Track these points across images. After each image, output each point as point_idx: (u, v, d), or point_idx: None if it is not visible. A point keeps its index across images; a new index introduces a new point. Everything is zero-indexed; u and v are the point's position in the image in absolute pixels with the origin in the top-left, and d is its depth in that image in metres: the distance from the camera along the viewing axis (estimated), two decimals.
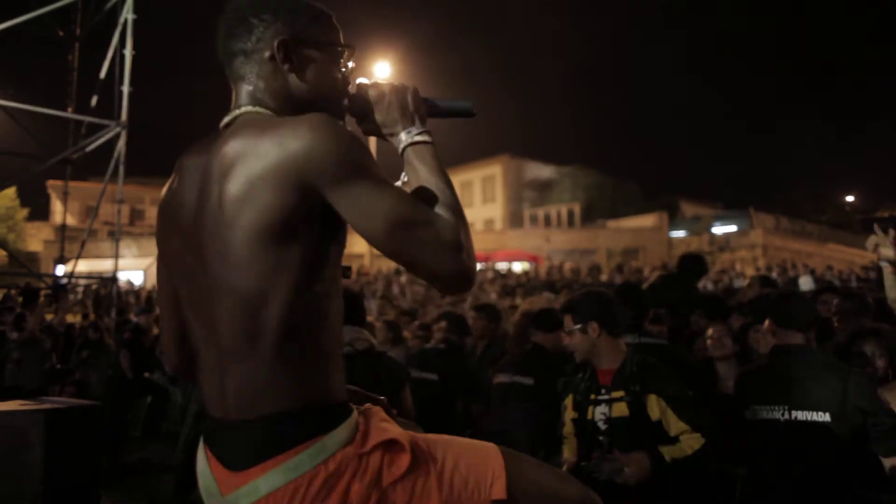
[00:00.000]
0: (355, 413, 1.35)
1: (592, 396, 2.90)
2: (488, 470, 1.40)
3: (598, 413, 2.86)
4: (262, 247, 1.23)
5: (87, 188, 28.49)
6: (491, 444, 1.48)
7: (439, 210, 1.32)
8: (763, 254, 27.85)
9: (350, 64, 1.50)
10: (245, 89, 1.42)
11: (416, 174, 1.40)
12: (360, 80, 1.48)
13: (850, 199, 42.69)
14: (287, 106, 1.41)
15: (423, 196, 1.35)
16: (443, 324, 5.18)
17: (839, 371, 2.84)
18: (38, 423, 3.16)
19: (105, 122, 10.62)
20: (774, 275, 15.72)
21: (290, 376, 1.26)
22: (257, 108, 1.39)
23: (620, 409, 2.81)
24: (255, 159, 1.24)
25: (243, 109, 1.40)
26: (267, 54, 1.40)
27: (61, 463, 3.18)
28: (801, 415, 2.76)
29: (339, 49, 1.48)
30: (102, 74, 11.21)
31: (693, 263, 5.96)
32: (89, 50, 11.96)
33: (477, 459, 1.41)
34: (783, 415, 2.80)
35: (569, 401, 3.04)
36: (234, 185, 1.25)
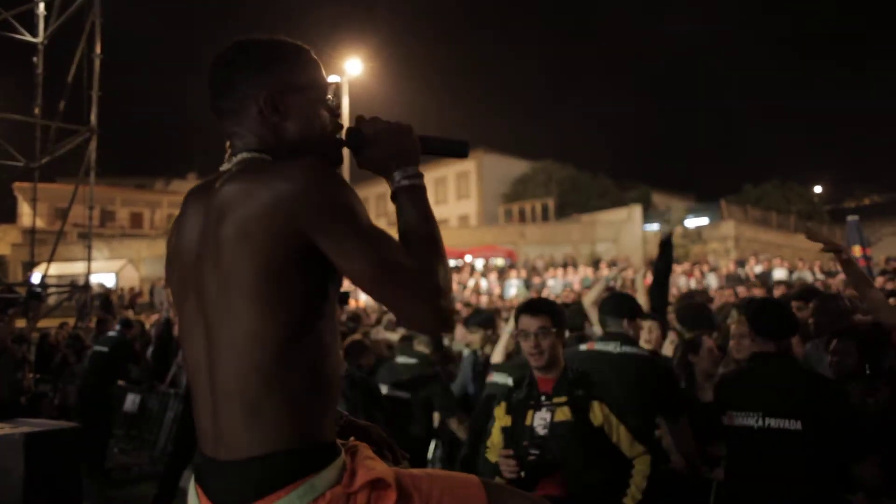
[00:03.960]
0: (343, 453, 1.38)
1: (532, 402, 2.87)
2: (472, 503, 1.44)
3: (539, 419, 2.83)
4: (255, 290, 1.27)
5: (56, 189, 28.04)
6: (473, 477, 1.52)
7: (422, 255, 1.34)
8: (735, 245, 28.20)
9: (335, 98, 1.53)
10: (240, 141, 1.46)
11: (403, 216, 1.42)
12: (359, 114, 1.50)
13: (818, 189, 43.42)
14: (281, 150, 1.44)
15: (408, 240, 1.37)
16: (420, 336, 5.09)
17: (811, 379, 2.92)
18: (17, 447, 3.13)
19: (74, 126, 10.48)
20: (748, 268, 15.98)
21: (281, 417, 1.29)
22: (253, 154, 1.42)
23: (564, 414, 2.80)
24: (247, 204, 1.28)
25: (240, 156, 1.43)
26: (254, 109, 1.43)
27: (41, 486, 3.15)
28: (774, 422, 2.82)
29: (322, 87, 1.51)
30: (70, 78, 11.04)
31: None
32: (55, 54, 11.76)
33: (460, 493, 1.45)
34: (757, 421, 2.86)
35: (500, 410, 2.99)
36: (229, 229, 1.28)
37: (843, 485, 2.78)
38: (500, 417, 2.97)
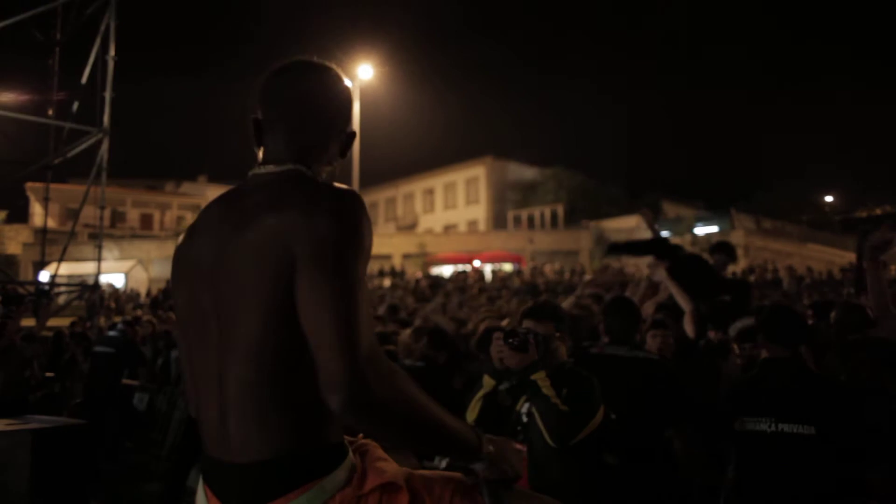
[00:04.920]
0: (351, 453, 1.37)
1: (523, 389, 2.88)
2: None
3: (525, 406, 2.88)
4: (267, 299, 1.26)
5: (67, 190, 28.21)
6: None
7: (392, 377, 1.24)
8: (744, 254, 28.08)
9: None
10: (281, 148, 1.47)
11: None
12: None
13: (829, 199, 43.25)
14: (321, 167, 1.52)
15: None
16: (423, 339, 4.97)
17: (825, 384, 2.89)
18: (25, 444, 3.14)
19: (87, 128, 10.54)
20: (753, 277, 15.91)
21: (289, 421, 1.28)
22: (295, 167, 1.44)
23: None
24: (272, 216, 1.29)
25: (282, 167, 1.44)
26: (330, 145, 1.53)
27: (48, 482, 3.15)
28: (787, 427, 2.80)
29: (350, 136, 1.59)
30: (84, 79, 11.12)
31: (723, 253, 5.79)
32: (70, 55, 11.84)
33: (472, 494, 1.44)
34: (769, 427, 2.84)
35: (488, 378, 2.91)
36: (250, 237, 1.30)
37: (854, 491, 2.75)
38: (487, 384, 2.93)
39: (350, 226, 1.28)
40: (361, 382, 1.16)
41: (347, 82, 1.56)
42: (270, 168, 1.44)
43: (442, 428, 1.31)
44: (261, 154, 1.49)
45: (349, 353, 1.17)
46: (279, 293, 1.25)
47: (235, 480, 1.30)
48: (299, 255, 1.23)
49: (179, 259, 1.46)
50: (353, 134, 1.59)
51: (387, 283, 22.42)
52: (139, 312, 14.59)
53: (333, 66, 1.54)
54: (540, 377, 2.71)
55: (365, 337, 1.20)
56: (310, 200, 1.30)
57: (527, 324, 2.94)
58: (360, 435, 1.51)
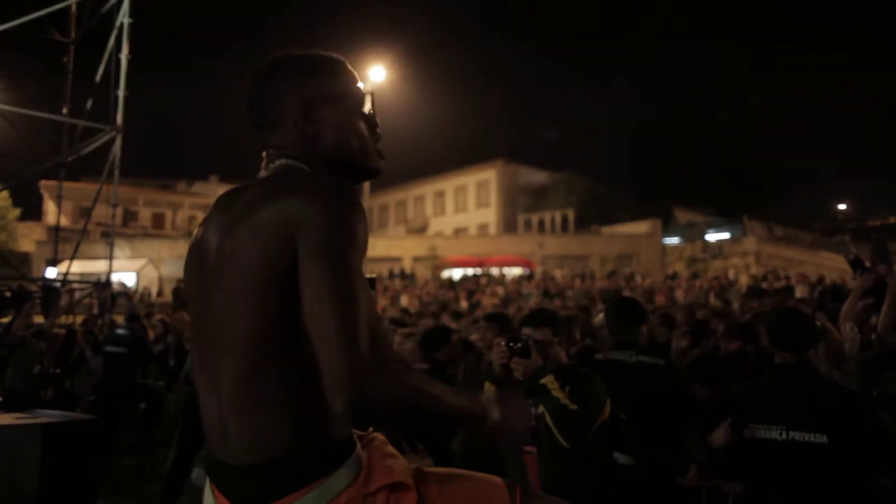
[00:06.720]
0: (358, 448, 1.35)
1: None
2: None
3: (532, 411, 2.94)
4: (262, 291, 1.24)
5: (80, 188, 28.38)
6: (496, 478, 1.49)
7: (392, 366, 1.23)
8: (756, 261, 27.96)
9: (372, 107, 1.54)
10: (277, 153, 1.45)
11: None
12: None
13: (842, 207, 43.04)
14: (318, 161, 1.44)
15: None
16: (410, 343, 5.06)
17: (838, 392, 2.85)
18: (34, 437, 3.15)
19: (100, 125, 10.60)
20: (765, 285, 15.80)
21: (291, 420, 1.26)
22: (291, 161, 1.42)
23: (542, 407, 2.86)
24: (267, 206, 1.26)
25: (278, 162, 1.43)
26: (289, 122, 1.43)
27: (57, 476, 3.16)
28: (798, 435, 2.75)
29: (358, 97, 1.51)
30: (98, 78, 11.19)
31: None
32: (84, 53, 11.92)
33: (483, 495, 1.43)
34: (780, 434, 2.80)
35: (489, 385, 3.01)
36: (246, 228, 1.27)
37: (867, 500, 2.72)
38: (488, 391, 2.98)
39: (342, 217, 1.24)
40: (362, 386, 1.13)
41: (293, 58, 1.47)
42: (269, 167, 1.44)
43: (447, 414, 1.30)
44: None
45: (349, 356, 1.13)
46: (276, 284, 1.23)
47: (237, 481, 1.28)
48: (299, 249, 1.21)
49: (190, 254, 1.45)
50: (343, 96, 1.48)
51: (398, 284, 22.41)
52: (152, 313, 14.62)
53: (274, 56, 1.48)
54: (549, 381, 2.79)
55: (363, 338, 1.16)
56: (302, 191, 1.26)
57: (525, 331, 3.02)
58: (371, 429, 1.48)
